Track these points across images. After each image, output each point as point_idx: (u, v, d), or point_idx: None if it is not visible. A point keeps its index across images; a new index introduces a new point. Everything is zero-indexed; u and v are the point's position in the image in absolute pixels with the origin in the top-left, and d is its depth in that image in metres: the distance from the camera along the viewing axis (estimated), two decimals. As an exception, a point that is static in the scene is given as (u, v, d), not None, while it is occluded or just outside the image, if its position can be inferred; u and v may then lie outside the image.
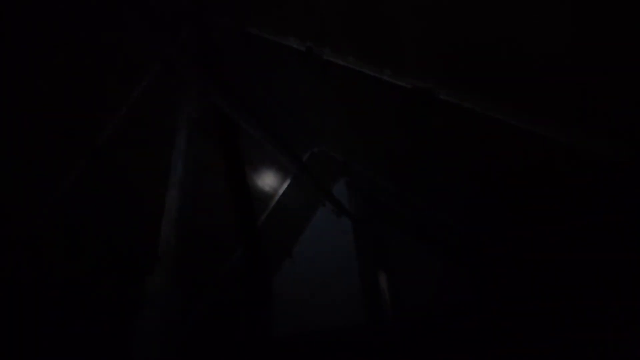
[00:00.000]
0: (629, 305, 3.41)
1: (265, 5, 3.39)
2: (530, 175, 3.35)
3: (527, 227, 4.15)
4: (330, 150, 6.44)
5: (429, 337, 5.96)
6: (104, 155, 3.23)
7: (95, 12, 3.09)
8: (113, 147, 3.29)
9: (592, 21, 1.83)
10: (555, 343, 4.50)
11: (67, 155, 3.13)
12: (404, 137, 4.20)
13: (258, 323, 5.18)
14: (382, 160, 5.33)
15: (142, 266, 2.95)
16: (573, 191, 3.11)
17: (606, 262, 3.48)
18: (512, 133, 2.91)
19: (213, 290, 5.95)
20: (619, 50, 1.83)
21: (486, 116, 2.97)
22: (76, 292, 3.76)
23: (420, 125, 3.78)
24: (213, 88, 3.70)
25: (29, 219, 3.07)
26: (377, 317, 6.52)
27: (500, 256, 5.26)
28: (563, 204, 3.33)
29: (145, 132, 3.54)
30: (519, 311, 5.02)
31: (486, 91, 2.89)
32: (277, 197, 6.21)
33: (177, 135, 3.48)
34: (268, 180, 5.91)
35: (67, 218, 3.27)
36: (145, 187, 3.71)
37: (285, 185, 6.33)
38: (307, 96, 4.76)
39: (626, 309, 3.40)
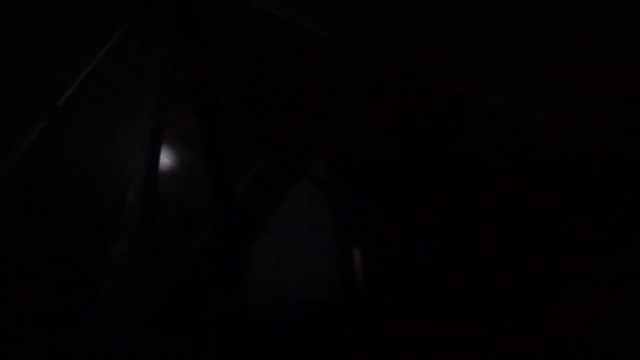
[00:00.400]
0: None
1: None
2: (510, 160, 3.37)
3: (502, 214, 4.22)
4: (310, 125, 6.36)
5: (397, 313, 6.13)
6: (65, 116, 3.05)
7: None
8: (75, 108, 3.11)
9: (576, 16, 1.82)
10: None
11: (26, 114, 2.95)
12: (382, 113, 4.16)
13: (232, 295, 5.20)
14: (360, 137, 5.29)
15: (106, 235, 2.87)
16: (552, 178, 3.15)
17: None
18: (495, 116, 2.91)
19: (187, 261, 5.92)
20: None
21: (464, 97, 2.95)
22: (37, 269, 3.65)
23: (397, 101, 3.74)
24: (187, 52, 3.54)
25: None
26: (350, 292, 6.64)
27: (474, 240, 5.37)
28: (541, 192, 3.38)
29: (110, 94, 3.36)
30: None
31: (465, 70, 2.85)
32: (253, 171, 6.14)
33: (147, 101, 3.33)
34: (245, 153, 5.81)
35: (23, 184, 3.11)
36: (110, 153, 3.56)
37: (262, 159, 6.25)
38: (286, 67, 4.63)
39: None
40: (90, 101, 3.17)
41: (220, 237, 4.52)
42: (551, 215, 3.60)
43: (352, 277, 6.93)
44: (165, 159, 4.85)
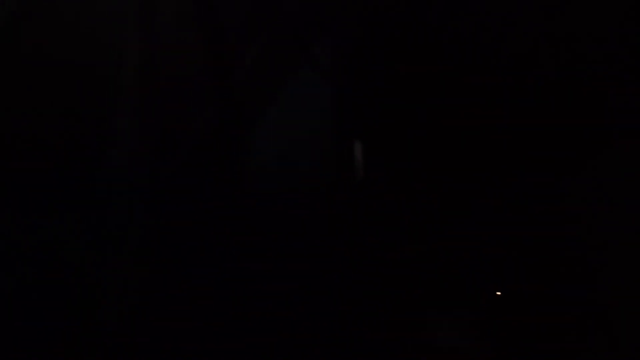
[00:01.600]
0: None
1: None
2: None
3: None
4: (314, 4, 5.83)
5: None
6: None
7: None
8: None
9: None
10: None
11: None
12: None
13: (231, 177, 5.41)
14: (369, 18, 4.90)
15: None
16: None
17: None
18: None
19: (187, 142, 6.00)
20: None
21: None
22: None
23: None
24: None
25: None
26: (348, 184, 6.89)
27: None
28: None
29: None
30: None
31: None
32: (252, 50, 5.82)
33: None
34: (242, 32, 5.43)
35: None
36: (100, 20, 3.27)
37: (262, 40, 5.87)
38: None
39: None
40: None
41: (218, 118, 4.49)
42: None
43: (352, 169, 7.12)
44: (158, 33, 4.54)
